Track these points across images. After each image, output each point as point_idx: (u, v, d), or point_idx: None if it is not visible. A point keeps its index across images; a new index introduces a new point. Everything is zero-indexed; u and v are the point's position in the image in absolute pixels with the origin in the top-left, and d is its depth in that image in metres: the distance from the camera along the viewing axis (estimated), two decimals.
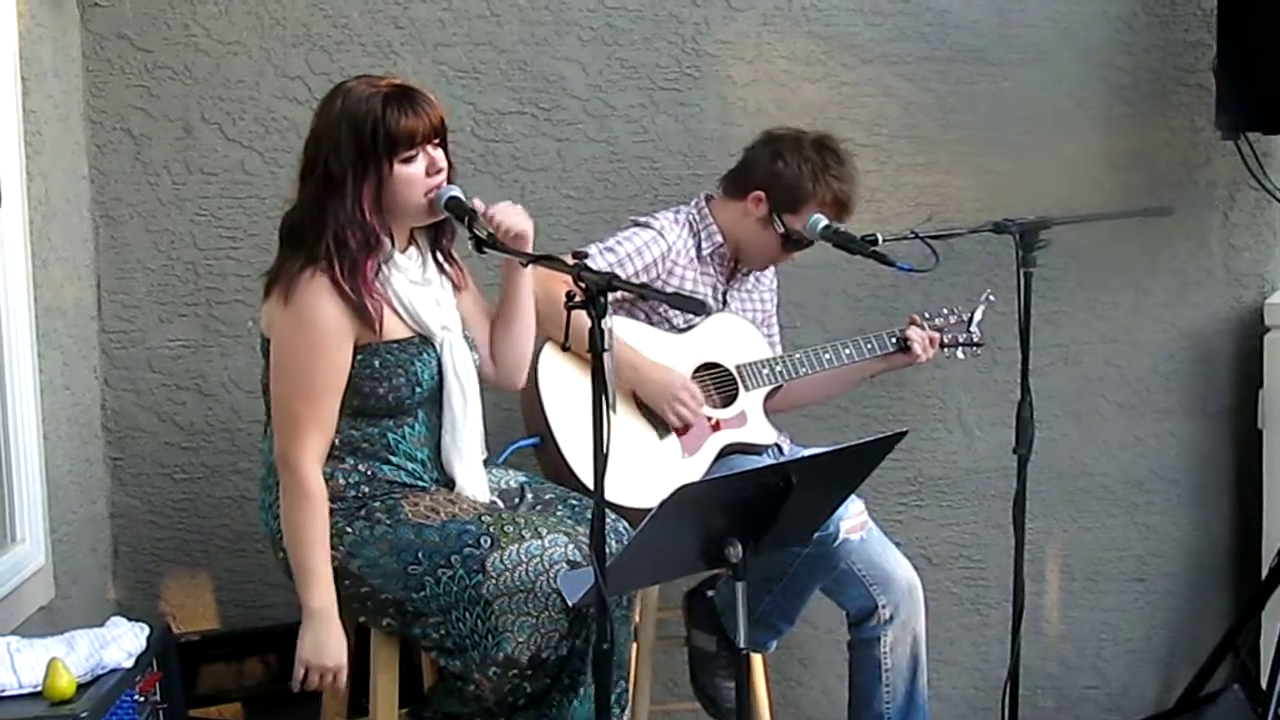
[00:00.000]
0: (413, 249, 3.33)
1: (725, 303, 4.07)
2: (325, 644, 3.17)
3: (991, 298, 4.19)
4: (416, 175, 3.19)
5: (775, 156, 3.95)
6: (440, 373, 3.29)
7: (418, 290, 3.28)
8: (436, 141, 3.23)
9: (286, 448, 3.18)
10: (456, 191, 3.18)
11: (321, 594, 3.16)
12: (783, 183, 3.92)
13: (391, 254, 3.24)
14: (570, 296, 2.73)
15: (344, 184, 3.14)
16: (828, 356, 4.02)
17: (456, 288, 3.45)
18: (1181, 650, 4.94)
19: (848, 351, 4.04)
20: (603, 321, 2.64)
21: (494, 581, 3.12)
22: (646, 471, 3.74)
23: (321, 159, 3.18)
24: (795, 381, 4.06)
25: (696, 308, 2.90)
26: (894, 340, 4.09)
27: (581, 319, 2.71)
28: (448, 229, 3.36)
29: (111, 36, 4.26)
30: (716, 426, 3.93)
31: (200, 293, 4.38)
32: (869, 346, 4.07)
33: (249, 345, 4.24)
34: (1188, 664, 4.85)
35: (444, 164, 3.23)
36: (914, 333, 4.08)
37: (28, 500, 3.69)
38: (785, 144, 3.97)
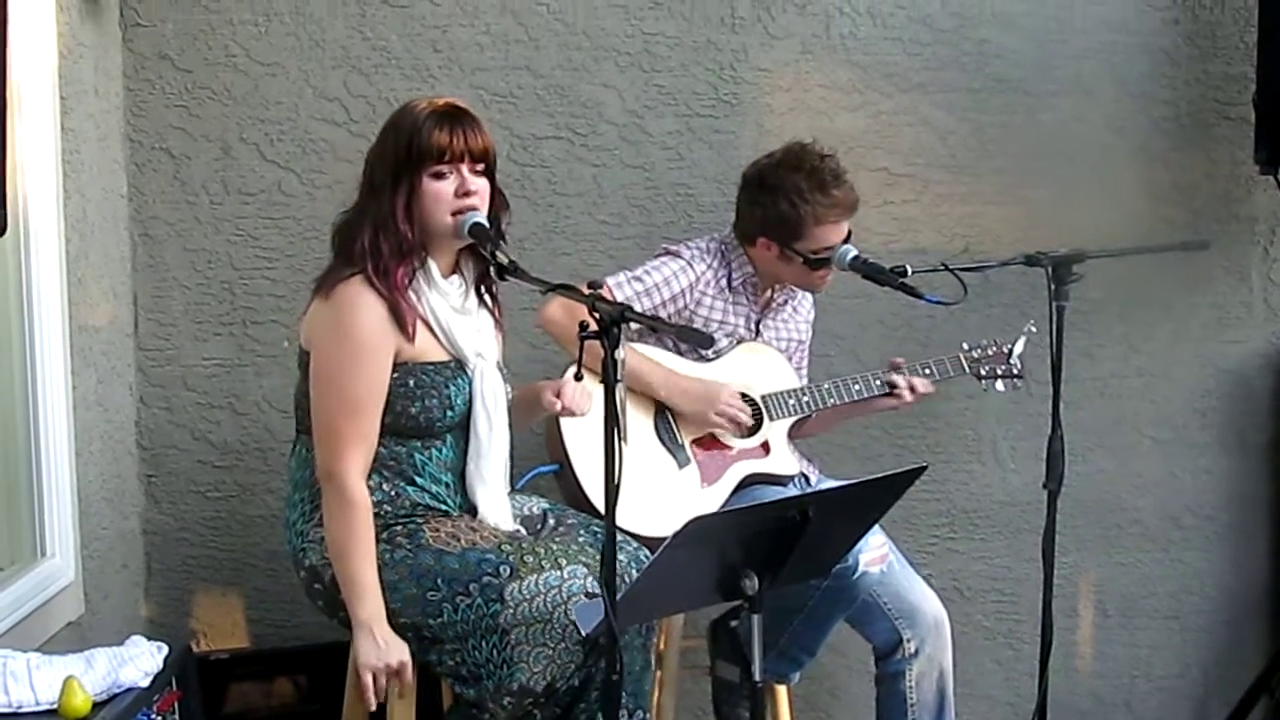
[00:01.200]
0: (455, 277, 3.35)
1: (758, 332, 4.05)
2: (382, 648, 3.15)
3: (1033, 329, 4.12)
4: (443, 192, 3.21)
5: (752, 203, 3.93)
6: (471, 401, 3.31)
7: (457, 317, 3.30)
8: (480, 169, 3.25)
9: (330, 461, 3.19)
10: (480, 218, 3.19)
11: (370, 605, 3.16)
12: (772, 223, 3.88)
13: (433, 276, 3.27)
14: (584, 327, 2.74)
15: (382, 190, 3.21)
16: (857, 388, 3.98)
17: (497, 323, 3.48)
18: (1215, 689, 4.89)
19: (879, 382, 4.01)
20: (615, 352, 2.65)
21: (511, 611, 3.12)
22: (664, 500, 3.73)
23: (369, 165, 3.28)
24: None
25: (704, 342, 2.89)
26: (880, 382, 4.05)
27: (595, 349, 2.72)
28: (492, 291, 3.43)
29: (152, 57, 4.30)
30: (765, 449, 3.94)
31: (236, 312, 4.41)
32: (877, 383, 4.03)
33: (284, 365, 4.27)
34: (1222, 703, 4.82)
35: (476, 188, 3.23)
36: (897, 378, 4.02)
37: (58, 516, 3.71)
38: (751, 187, 3.94)
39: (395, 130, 3.24)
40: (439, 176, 3.21)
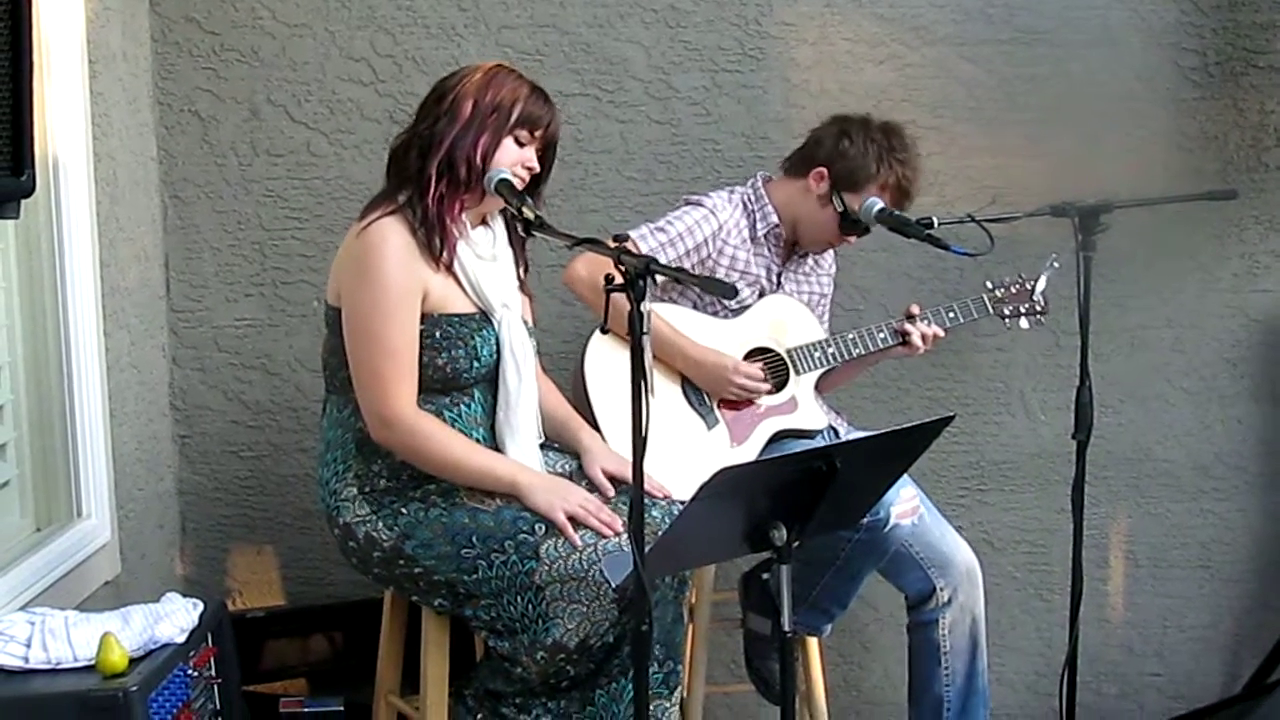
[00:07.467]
0: (482, 229, 3.40)
1: (779, 284, 4.05)
2: (558, 489, 3.25)
3: (1056, 264, 4.09)
4: (514, 155, 3.30)
5: (842, 135, 3.94)
6: (499, 351, 3.33)
7: (485, 266, 3.34)
8: (543, 155, 3.38)
9: (380, 406, 3.22)
10: (506, 174, 3.24)
11: (517, 472, 3.26)
12: (847, 160, 3.90)
13: (464, 226, 3.31)
14: (609, 280, 2.74)
15: (470, 122, 3.27)
16: (882, 336, 3.98)
17: (522, 284, 3.52)
18: (1247, 638, 4.89)
19: (895, 330, 4.00)
20: (641, 305, 2.65)
21: (547, 568, 3.14)
22: (695, 461, 3.72)
23: (454, 95, 3.31)
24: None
25: (728, 293, 2.88)
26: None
27: (621, 302, 2.72)
28: (523, 255, 3.51)
29: (180, 19, 4.32)
30: (793, 404, 3.94)
31: (266, 273, 4.44)
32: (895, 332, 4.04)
33: (314, 324, 4.28)
34: (1253, 652, 4.82)
35: (536, 168, 3.35)
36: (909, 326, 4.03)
37: (93, 477, 3.74)
38: (853, 124, 3.96)
39: (494, 87, 3.30)
40: (519, 142, 3.31)
